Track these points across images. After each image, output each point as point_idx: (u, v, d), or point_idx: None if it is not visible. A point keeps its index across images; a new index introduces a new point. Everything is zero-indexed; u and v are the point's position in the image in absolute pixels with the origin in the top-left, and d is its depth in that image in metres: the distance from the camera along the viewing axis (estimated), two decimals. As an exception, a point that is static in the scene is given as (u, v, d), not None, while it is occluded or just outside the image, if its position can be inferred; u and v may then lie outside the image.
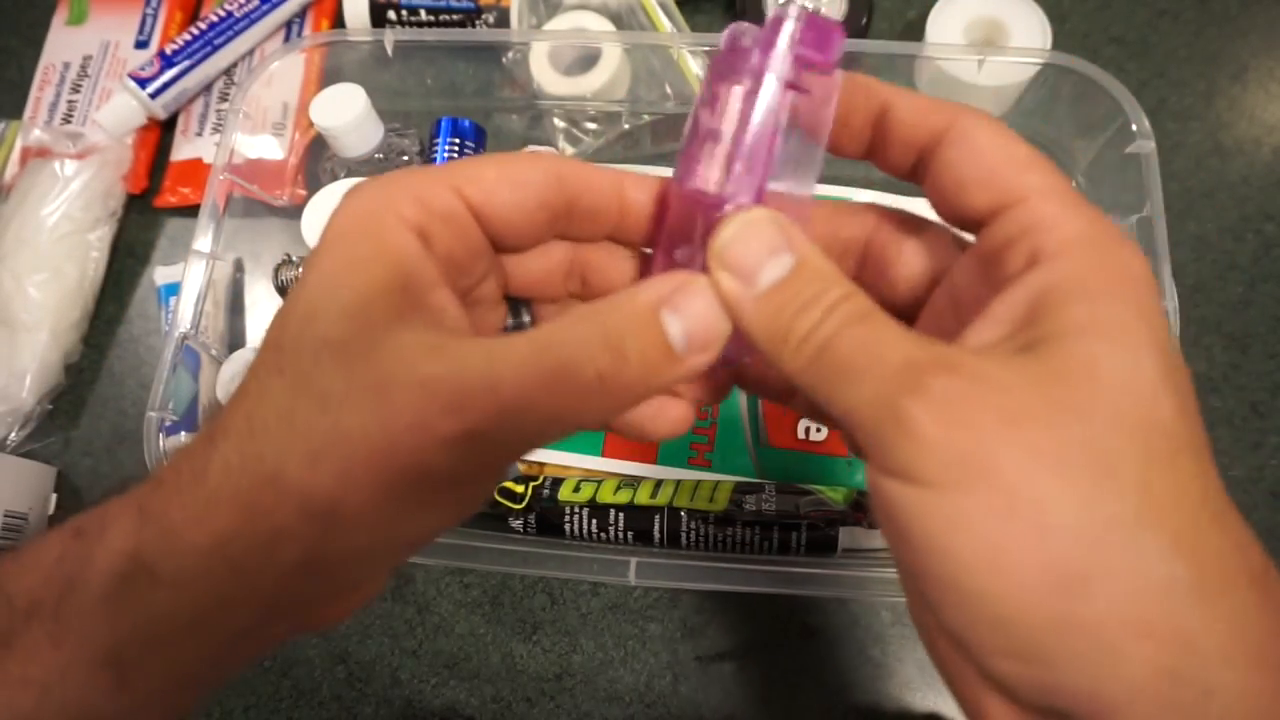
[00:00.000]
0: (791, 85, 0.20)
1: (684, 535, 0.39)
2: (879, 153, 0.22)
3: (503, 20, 0.54)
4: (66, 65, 0.58)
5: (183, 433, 0.44)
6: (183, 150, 0.56)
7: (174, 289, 0.50)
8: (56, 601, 0.19)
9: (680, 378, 0.20)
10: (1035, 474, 0.16)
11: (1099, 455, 0.16)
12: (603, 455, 0.44)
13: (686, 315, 0.19)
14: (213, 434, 0.19)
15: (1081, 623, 0.16)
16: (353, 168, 0.45)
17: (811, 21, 0.21)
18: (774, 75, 0.20)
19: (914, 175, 0.22)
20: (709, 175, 0.21)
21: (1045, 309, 0.18)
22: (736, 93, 0.21)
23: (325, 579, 0.20)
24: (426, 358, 0.18)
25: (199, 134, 0.56)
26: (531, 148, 0.48)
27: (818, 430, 0.44)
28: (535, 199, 0.22)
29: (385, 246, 0.19)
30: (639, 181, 0.23)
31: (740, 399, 0.45)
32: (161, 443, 0.39)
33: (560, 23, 0.53)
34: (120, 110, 0.54)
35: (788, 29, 0.20)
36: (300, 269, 0.44)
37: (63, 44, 0.59)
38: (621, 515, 0.40)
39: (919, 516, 0.17)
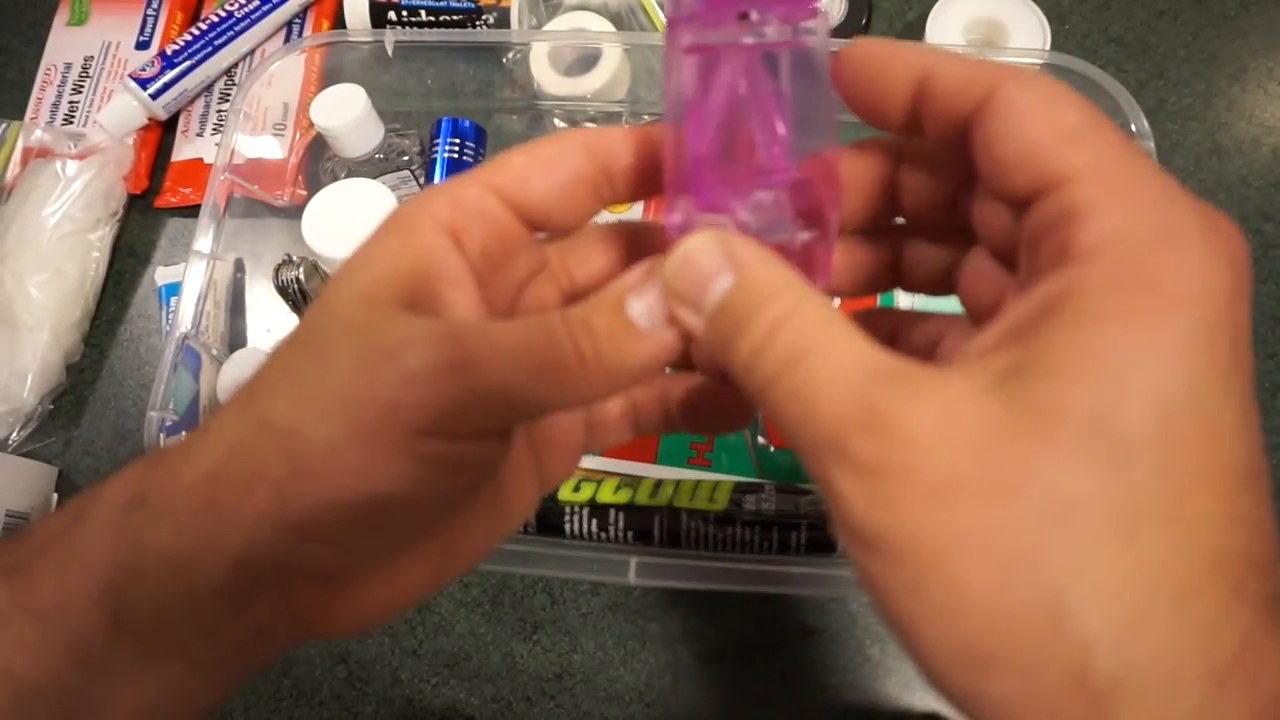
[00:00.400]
0: (781, 44, 0.19)
1: (684, 535, 0.40)
2: (920, 129, 0.20)
3: (503, 20, 0.54)
4: (68, 66, 0.58)
5: (184, 433, 0.44)
6: (183, 150, 0.56)
7: (175, 289, 0.50)
8: (66, 531, 0.20)
9: (651, 355, 0.19)
10: (952, 555, 0.15)
11: (1025, 536, 0.15)
12: (603, 455, 0.44)
13: (648, 294, 0.19)
14: (229, 398, 0.20)
15: (988, 702, 0.15)
16: (353, 168, 0.45)
17: None
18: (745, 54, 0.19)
19: (960, 155, 0.19)
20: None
21: (1045, 327, 0.16)
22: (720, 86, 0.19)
23: (298, 539, 0.19)
24: (421, 317, 0.19)
25: (200, 134, 0.56)
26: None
27: (817, 430, 0.44)
28: (570, 175, 0.21)
29: (410, 241, 0.20)
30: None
31: (740, 399, 0.45)
32: (162, 442, 0.39)
33: (560, 23, 0.53)
34: (121, 110, 0.54)
35: None
36: (300, 269, 0.44)
37: (64, 45, 0.59)
38: (621, 515, 0.40)
39: (860, 570, 0.16)
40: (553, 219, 0.22)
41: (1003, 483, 0.15)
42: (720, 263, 0.18)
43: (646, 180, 0.22)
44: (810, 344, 0.17)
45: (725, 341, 0.18)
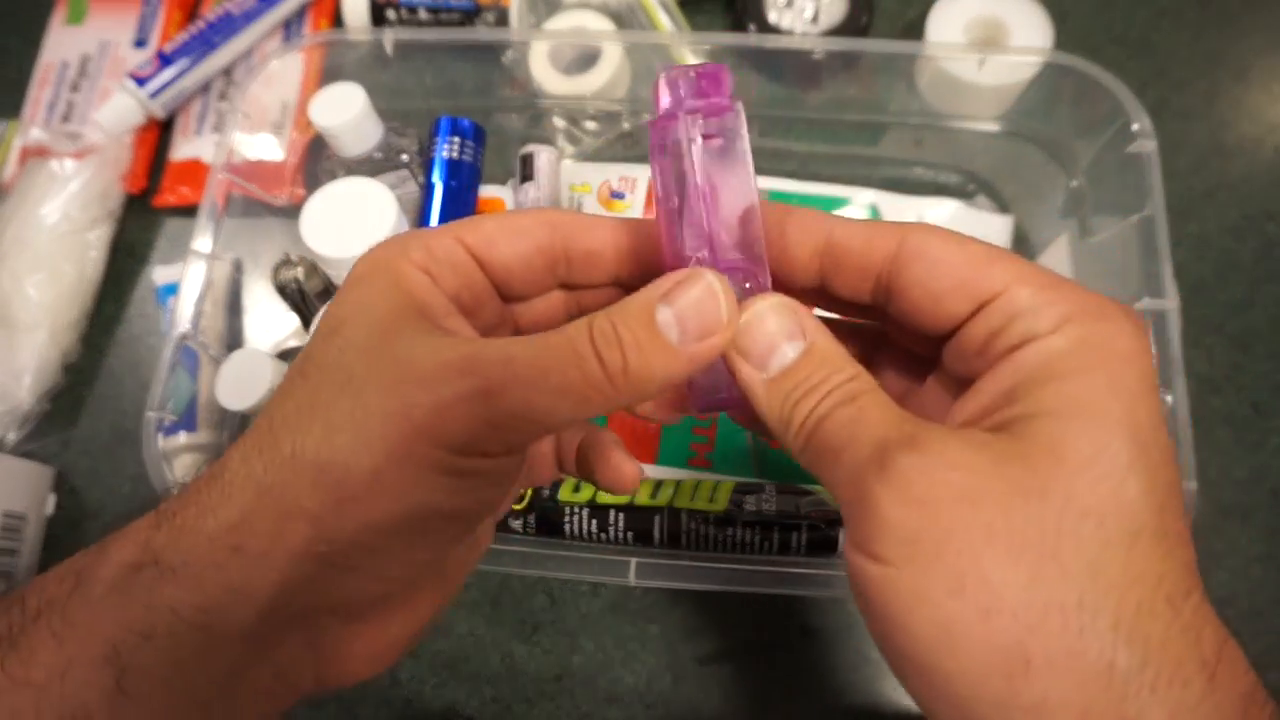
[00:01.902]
0: (706, 136, 0.21)
1: (684, 535, 0.39)
2: (833, 283, 0.23)
3: (502, 20, 0.54)
4: (65, 64, 0.58)
5: (182, 433, 0.44)
6: (181, 150, 0.56)
7: (173, 289, 0.50)
8: (66, 597, 0.19)
9: (678, 369, 0.20)
10: (985, 554, 0.17)
11: (1048, 538, 0.17)
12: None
13: (679, 303, 0.20)
14: (235, 442, 0.20)
15: (1022, 705, 0.16)
16: (352, 167, 0.45)
17: (696, 74, 0.21)
18: (686, 140, 0.21)
19: (875, 300, 0.22)
20: (681, 243, 0.22)
21: (1023, 389, 0.19)
22: (667, 166, 0.22)
23: (335, 570, 0.19)
24: (443, 343, 0.19)
25: (198, 133, 0.56)
26: (530, 146, 0.48)
27: (818, 430, 0.44)
28: (532, 246, 0.23)
29: (399, 280, 0.21)
30: (637, 226, 0.23)
31: (740, 399, 0.45)
32: (160, 442, 0.39)
33: (560, 22, 0.53)
34: (119, 109, 0.54)
35: (678, 90, 0.21)
36: (299, 269, 0.44)
37: (61, 43, 0.59)
38: (621, 515, 0.40)
39: (881, 592, 0.18)
40: (510, 284, 0.23)
41: (1025, 493, 0.17)
42: (793, 330, 0.21)
43: (601, 269, 0.24)
44: (863, 392, 0.20)
45: (784, 401, 0.20)
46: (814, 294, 0.24)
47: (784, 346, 0.21)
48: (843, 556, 0.39)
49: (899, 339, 0.24)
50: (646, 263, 0.23)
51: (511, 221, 0.23)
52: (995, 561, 0.17)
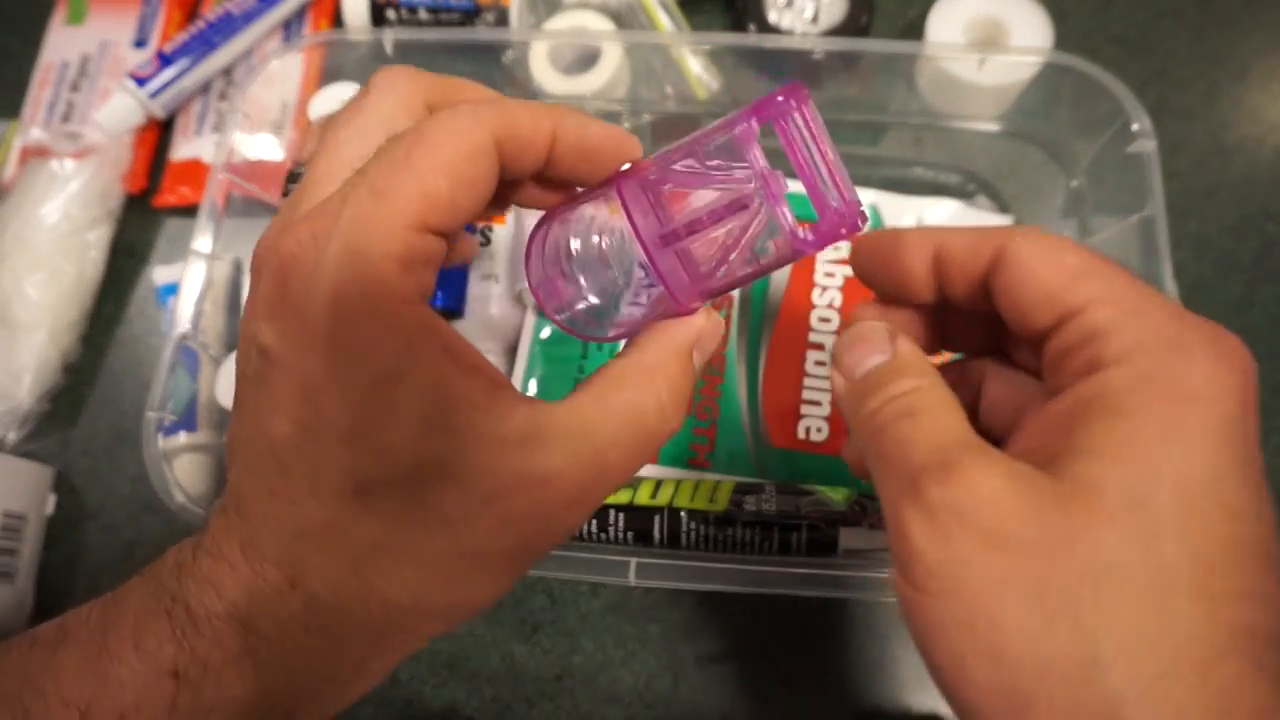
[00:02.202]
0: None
1: (684, 535, 0.39)
2: (949, 293, 0.23)
3: (502, 20, 0.54)
4: (65, 64, 0.58)
5: (182, 433, 0.44)
6: (181, 150, 0.56)
7: (173, 289, 0.50)
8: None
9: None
10: (1000, 598, 0.17)
11: (1069, 590, 0.16)
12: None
13: (707, 350, 0.22)
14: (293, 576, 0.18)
15: None
16: (352, 167, 0.45)
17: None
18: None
19: (984, 305, 0.22)
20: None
21: (1078, 421, 0.18)
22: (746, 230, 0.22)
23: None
24: (533, 453, 0.18)
25: (198, 133, 0.56)
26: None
27: (818, 430, 0.44)
28: (489, 184, 0.21)
29: (410, 340, 0.18)
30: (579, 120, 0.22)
31: (740, 399, 0.45)
32: (160, 442, 0.39)
33: (560, 22, 0.53)
34: (119, 109, 0.54)
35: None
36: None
37: (61, 43, 0.59)
38: (621, 515, 0.40)
39: (909, 612, 0.18)
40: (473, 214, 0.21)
41: (1051, 541, 0.17)
42: (883, 345, 0.22)
43: (534, 162, 0.22)
44: (924, 408, 0.20)
45: (860, 396, 0.21)
46: (938, 310, 0.24)
47: (872, 357, 0.21)
48: (843, 556, 0.39)
49: (1017, 350, 0.24)
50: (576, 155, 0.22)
51: (464, 171, 0.19)
52: (1009, 607, 0.17)
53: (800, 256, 0.22)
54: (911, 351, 0.21)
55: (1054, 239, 0.20)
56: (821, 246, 0.22)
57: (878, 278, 0.24)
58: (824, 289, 0.47)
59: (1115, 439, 0.17)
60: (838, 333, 0.24)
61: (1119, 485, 0.17)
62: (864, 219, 0.22)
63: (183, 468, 0.44)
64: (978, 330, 0.24)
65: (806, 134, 0.21)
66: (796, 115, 0.21)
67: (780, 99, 0.21)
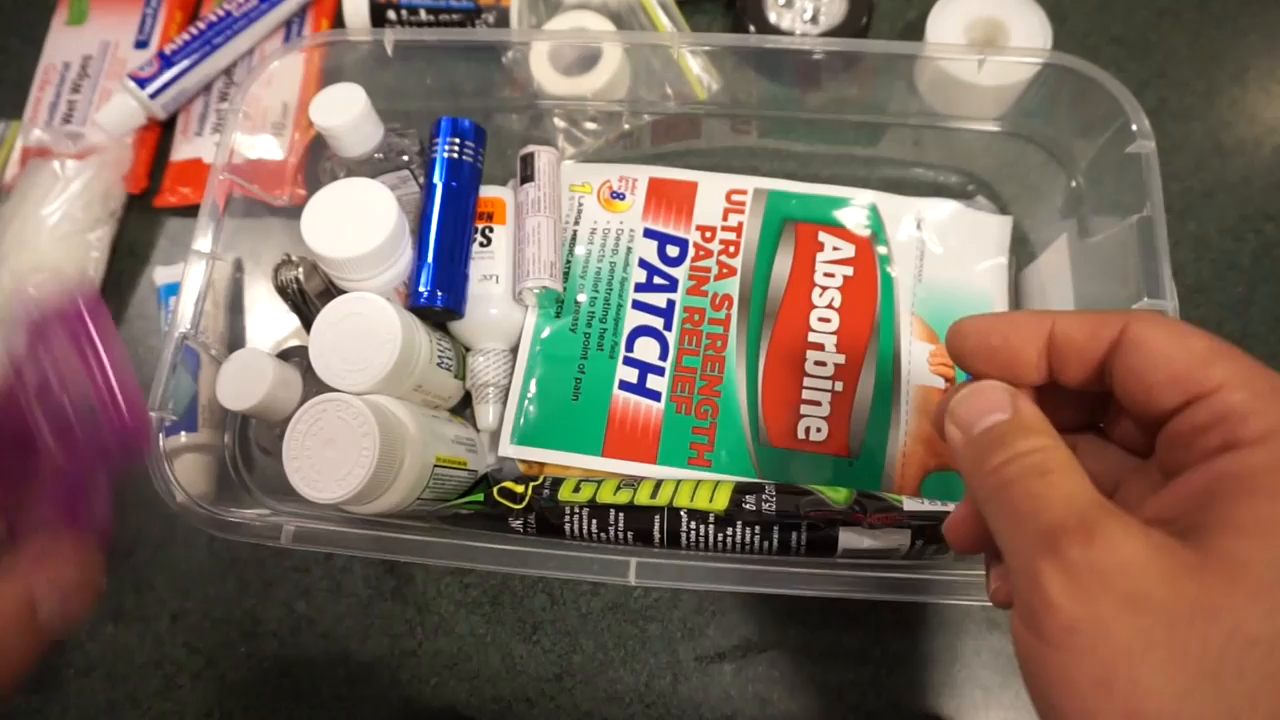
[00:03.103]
0: None
1: (684, 535, 0.39)
2: (1061, 375, 0.24)
3: (503, 20, 0.54)
4: (66, 65, 0.58)
5: (183, 433, 0.44)
6: (182, 150, 0.56)
7: (174, 289, 0.50)
8: None
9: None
10: (1140, 659, 0.17)
11: (1210, 658, 0.17)
12: (603, 455, 0.44)
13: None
14: None
15: None
16: (352, 167, 0.45)
17: None
18: None
19: (1096, 385, 0.23)
20: None
21: (1216, 497, 0.19)
22: None
23: None
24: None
25: (199, 134, 0.56)
26: (531, 146, 0.48)
27: (818, 430, 0.44)
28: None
29: None
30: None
31: (740, 398, 0.45)
32: (161, 442, 0.39)
33: (560, 23, 0.53)
34: (120, 110, 0.54)
35: None
36: (300, 269, 0.44)
37: (63, 44, 0.59)
38: (621, 515, 0.40)
39: (1033, 664, 0.18)
40: None
41: (1193, 608, 0.17)
42: (1003, 404, 0.22)
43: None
44: (1056, 467, 0.20)
45: (983, 451, 0.22)
46: (1042, 392, 0.25)
47: (992, 414, 0.22)
48: (842, 556, 0.39)
49: (1117, 427, 0.25)
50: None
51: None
52: (1149, 667, 0.17)
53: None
54: (1034, 411, 0.22)
55: (1175, 323, 0.21)
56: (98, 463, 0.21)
57: (983, 361, 0.24)
58: (824, 289, 0.47)
59: (1256, 516, 0.18)
60: (947, 391, 0.25)
61: (1260, 560, 0.17)
62: (147, 438, 0.22)
63: (183, 468, 0.44)
64: (1071, 407, 0.25)
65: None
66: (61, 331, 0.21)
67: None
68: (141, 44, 0.59)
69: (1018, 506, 0.20)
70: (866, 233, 0.48)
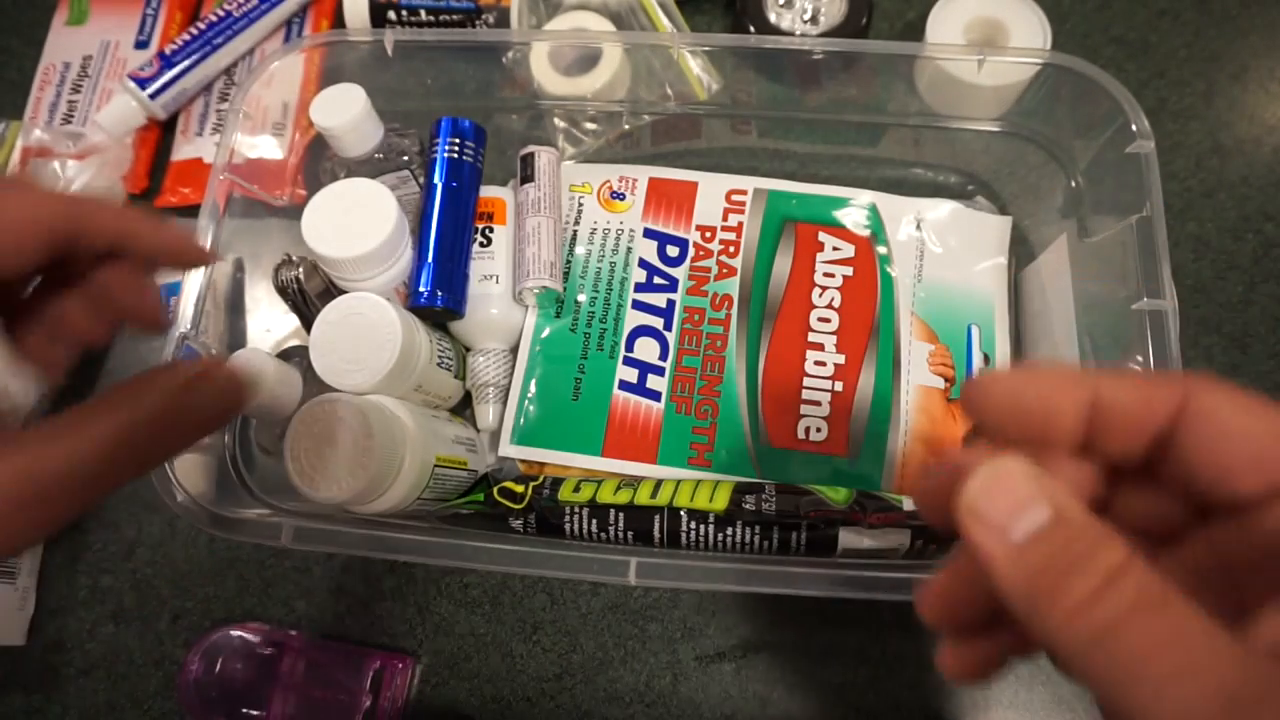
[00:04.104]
0: None
1: (684, 535, 0.39)
2: (1103, 445, 0.20)
3: (503, 20, 0.54)
4: (67, 65, 0.58)
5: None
6: (183, 150, 0.56)
7: (174, 289, 0.50)
8: None
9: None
10: None
11: None
12: (603, 455, 0.44)
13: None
14: None
15: None
16: (353, 168, 0.45)
17: None
18: None
19: (1136, 459, 0.19)
20: None
21: None
22: None
23: None
24: None
25: (199, 134, 0.56)
26: (531, 146, 0.48)
27: (817, 430, 0.44)
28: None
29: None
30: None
31: (740, 398, 0.45)
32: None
33: (560, 23, 0.53)
34: (120, 110, 0.54)
35: None
36: (300, 269, 0.44)
37: (63, 44, 0.59)
38: (621, 515, 0.40)
39: None
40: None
41: None
42: (1036, 493, 0.17)
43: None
44: (1167, 597, 0.16)
45: (1044, 575, 0.17)
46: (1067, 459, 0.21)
47: (1030, 511, 0.17)
48: (842, 556, 0.39)
49: (1141, 503, 0.21)
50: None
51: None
52: None
53: None
54: (1079, 509, 0.17)
55: (1246, 396, 0.18)
56: None
57: (1011, 423, 0.20)
58: (824, 289, 0.47)
59: None
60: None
61: None
62: None
63: (183, 468, 0.44)
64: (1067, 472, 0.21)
65: None
66: None
67: None
68: (142, 44, 0.59)
69: (1149, 664, 0.15)
70: (866, 233, 0.48)
